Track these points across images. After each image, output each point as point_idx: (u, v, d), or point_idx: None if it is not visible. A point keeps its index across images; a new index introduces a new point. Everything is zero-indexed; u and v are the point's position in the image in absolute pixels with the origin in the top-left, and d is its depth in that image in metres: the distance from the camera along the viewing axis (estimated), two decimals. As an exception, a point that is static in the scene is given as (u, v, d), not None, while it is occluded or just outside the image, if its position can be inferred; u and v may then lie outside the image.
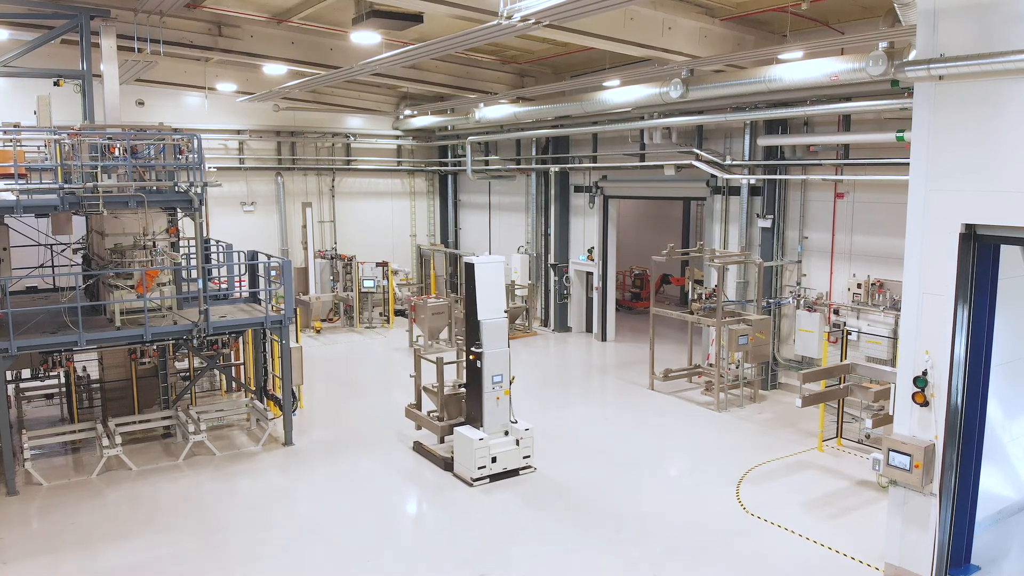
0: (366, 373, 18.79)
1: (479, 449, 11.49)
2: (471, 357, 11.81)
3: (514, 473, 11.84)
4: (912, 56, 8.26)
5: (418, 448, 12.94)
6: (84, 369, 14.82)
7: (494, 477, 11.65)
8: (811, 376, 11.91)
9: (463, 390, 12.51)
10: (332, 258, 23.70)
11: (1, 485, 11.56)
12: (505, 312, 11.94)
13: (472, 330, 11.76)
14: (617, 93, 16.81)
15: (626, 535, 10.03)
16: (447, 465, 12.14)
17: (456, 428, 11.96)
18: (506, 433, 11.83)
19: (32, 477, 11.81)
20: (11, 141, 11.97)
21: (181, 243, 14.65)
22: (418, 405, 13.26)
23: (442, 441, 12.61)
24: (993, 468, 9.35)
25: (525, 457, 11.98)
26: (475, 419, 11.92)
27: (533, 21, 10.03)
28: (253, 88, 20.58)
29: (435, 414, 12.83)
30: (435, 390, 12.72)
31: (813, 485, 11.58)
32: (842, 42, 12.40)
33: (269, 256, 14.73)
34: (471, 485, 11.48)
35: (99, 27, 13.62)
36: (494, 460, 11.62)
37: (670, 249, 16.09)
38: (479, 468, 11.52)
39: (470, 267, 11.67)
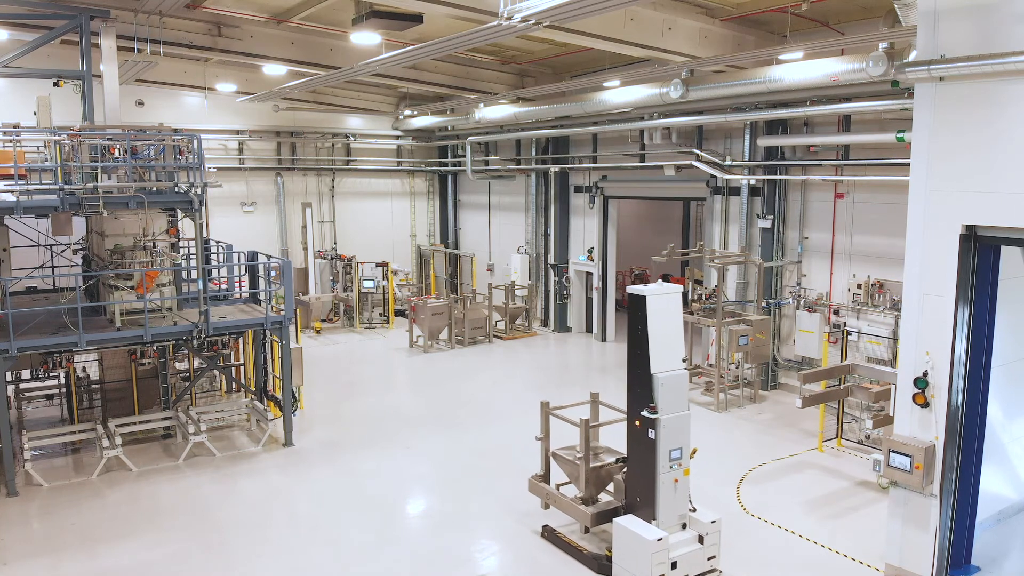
0: (366, 373, 18.78)
1: (657, 553, 8.36)
2: (637, 423, 8.78)
3: None
4: (912, 57, 8.26)
5: (550, 536, 9.93)
6: (84, 370, 14.81)
7: None
8: (811, 377, 11.92)
9: (609, 461, 9.75)
10: (332, 258, 23.70)
11: (1, 486, 11.57)
12: (685, 360, 8.86)
13: (641, 385, 8.65)
14: (617, 93, 16.81)
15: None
16: (601, 568, 9.10)
17: (616, 520, 8.87)
18: (683, 526, 8.85)
19: (32, 478, 11.81)
20: (11, 141, 11.97)
21: (181, 243, 14.65)
22: (546, 477, 10.40)
23: (587, 531, 9.87)
24: (993, 469, 9.35)
25: (710, 559, 8.86)
26: (639, 506, 8.85)
27: (533, 22, 10.01)
28: (253, 88, 20.58)
29: (563, 486, 10.21)
30: (575, 461, 9.76)
31: (813, 485, 11.59)
32: (842, 42, 12.40)
33: (269, 256, 14.72)
34: None
35: (99, 27, 13.62)
36: (674, 566, 8.53)
37: (670, 249, 16.09)
38: None
39: (638, 300, 8.56)
